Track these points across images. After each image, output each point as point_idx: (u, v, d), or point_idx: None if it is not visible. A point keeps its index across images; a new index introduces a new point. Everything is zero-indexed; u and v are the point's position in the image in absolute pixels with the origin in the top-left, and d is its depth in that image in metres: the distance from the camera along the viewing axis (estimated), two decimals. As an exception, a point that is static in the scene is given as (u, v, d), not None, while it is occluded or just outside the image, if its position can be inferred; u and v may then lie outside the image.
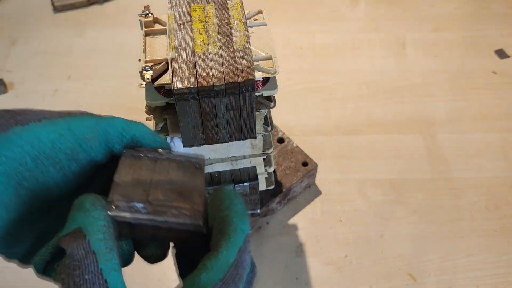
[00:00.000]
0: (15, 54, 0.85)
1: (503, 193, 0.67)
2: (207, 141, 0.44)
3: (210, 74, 0.39)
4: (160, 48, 0.43)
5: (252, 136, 0.44)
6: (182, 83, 0.39)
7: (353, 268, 0.61)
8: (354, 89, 0.79)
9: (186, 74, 0.39)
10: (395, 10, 0.90)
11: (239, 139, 0.44)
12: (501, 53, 0.83)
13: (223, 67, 0.39)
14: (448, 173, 0.69)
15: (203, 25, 0.41)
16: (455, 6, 0.90)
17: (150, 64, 0.41)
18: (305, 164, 0.65)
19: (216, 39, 0.40)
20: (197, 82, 0.39)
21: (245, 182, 0.52)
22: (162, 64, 0.41)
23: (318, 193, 0.67)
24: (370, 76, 0.80)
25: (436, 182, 0.68)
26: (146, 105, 0.44)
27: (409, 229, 0.64)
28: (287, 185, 0.63)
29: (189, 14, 0.42)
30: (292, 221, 0.65)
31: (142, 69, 0.40)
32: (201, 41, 0.40)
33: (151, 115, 0.46)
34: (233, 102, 0.41)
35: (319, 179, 0.68)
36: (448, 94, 0.78)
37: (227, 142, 0.44)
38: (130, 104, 0.77)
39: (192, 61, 0.40)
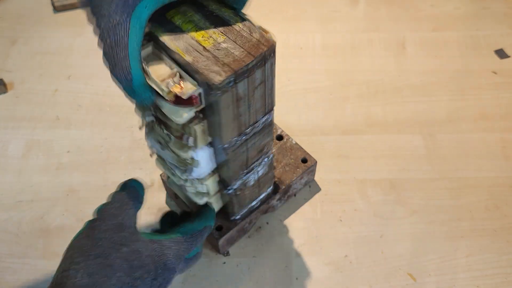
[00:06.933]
0: (15, 54, 0.85)
1: (503, 193, 0.67)
2: (239, 130, 0.44)
3: (236, 57, 0.38)
4: (158, 68, 0.40)
5: (273, 105, 0.46)
6: (220, 75, 0.37)
7: (353, 268, 0.61)
8: (354, 89, 0.79)
9: (215, 68, 0.38)
10: (395, 10, 0.90)
11: (263, 115, 0.45)
12: (501, 53, 0.83)
13: (242, 47, 0.39)
14: (448, 173, 0.69)
15: (191, 24, 0.41)
16: (455, 6, 0.91)
17: (169, 79, 0.38)
18: (304, 160, 0.65)
19: (215, 29, 0.40)
20: (231, 68, 0.38)
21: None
22: (175, 76, 0.39)
23: (318, 192, 0.67)
24: (370, 76, 0.80)
25: (436, 182, 0.68)
26: (172, 130, 0.44)
27: (409, 229, 0.64)
28: (287, 182, 0.63)
29: (170, 21, 0.41)
30: (292, 221, 0.65)
31: (165, 87, 0.38)
32: (202, 36, 0.40)
33: (182, 133, 0.43)
34: (260, 75, 0.40)
35: (319, 179, 0.68)
36: (448, 94, 0.78)
37: (251, 126, 0.45)
38: (130, 104, 0.77)
39: (210, 55, 0.38)
